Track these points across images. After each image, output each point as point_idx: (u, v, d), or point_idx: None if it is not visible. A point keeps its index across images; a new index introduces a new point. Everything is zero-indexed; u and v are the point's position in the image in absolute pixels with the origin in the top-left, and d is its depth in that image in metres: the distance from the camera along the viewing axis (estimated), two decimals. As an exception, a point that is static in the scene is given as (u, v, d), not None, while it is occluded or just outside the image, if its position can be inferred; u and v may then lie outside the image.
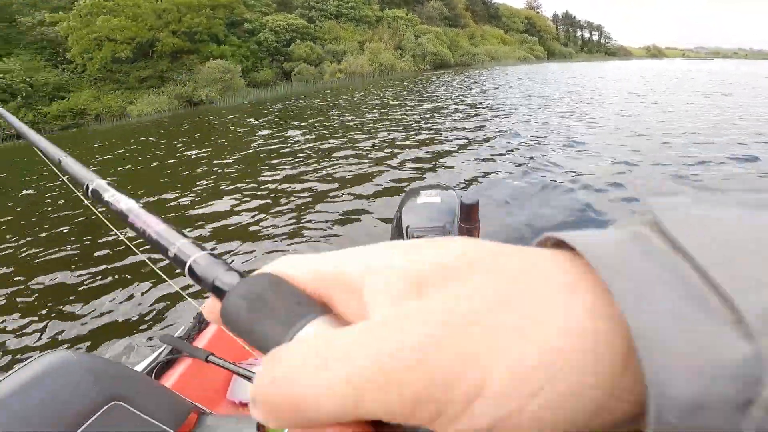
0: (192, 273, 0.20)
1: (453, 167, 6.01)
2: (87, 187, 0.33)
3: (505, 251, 0.13)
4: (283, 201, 5.20)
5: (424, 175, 5.76)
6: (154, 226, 0.23)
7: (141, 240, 0.23)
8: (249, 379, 1.09)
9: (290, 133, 10.02)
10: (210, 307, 0.18)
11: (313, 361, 0.12)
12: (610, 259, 0.11)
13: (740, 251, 0.10)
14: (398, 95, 16.92)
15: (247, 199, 5.43)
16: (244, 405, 1.25)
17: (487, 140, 7.58)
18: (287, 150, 8.03)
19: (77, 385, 0.81)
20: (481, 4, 67.84)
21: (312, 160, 7.00)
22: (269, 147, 8.47)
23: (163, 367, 1.14)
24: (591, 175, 5.29)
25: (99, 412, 0.79)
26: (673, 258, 0.11)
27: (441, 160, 6.47)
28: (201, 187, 6.18)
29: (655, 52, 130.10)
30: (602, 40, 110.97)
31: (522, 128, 8.42)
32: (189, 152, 8.94)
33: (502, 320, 0.11)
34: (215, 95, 25.31)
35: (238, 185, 6.05)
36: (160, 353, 1.18)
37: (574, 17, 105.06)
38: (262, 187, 5.87)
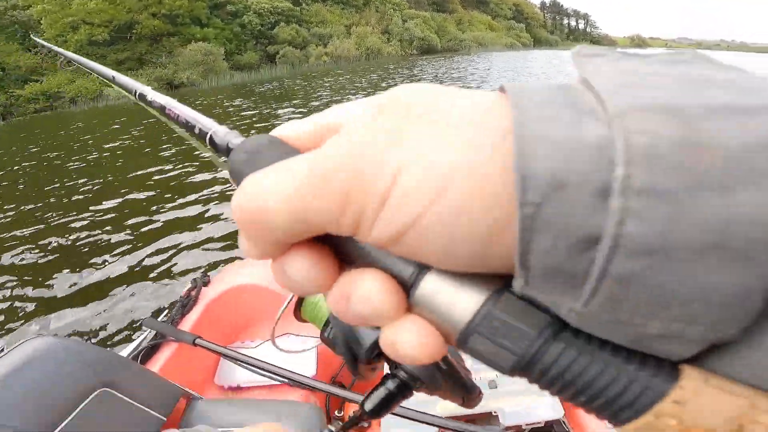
0: (212, 141, 0.23)
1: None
2: (135, 92, 0.42)
3: (449, 92, 0.14)
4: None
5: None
6: (185, 112, 0.29)
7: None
8: (238, 361, 1.07)
9: (279, 111, 9.84)
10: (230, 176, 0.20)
11: (269, 179, 0.14)
12: (522, 88, 0.12)
13: (629, 79, 0.11)
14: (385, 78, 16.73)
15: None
16: (234, 389, 1.23)
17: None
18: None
19: (63, 372, 0.77)
20: (469, -11, 67.14)
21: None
22: (253, 123, 8.30)
23: (148, 352, 1.11)
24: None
25: (87, 400, 0.76)
26: (578, 86, 0.12)
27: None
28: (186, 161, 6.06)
29: (639, 42, 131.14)
30: (588, 29, 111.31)
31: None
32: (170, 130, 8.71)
33: (419, 135, 0.13)
34: (197, 78, 24.65)
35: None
36: (144, 338, 1.15)
37: (562, 5, 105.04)
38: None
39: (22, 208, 5.23)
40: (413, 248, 0.13)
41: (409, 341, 0.14)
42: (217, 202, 4.61)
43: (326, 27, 35.97)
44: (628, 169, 0.10)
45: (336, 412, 1.18)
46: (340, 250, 0.15)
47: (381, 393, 0.26)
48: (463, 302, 0.13)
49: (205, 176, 5.51)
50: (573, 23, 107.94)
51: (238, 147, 0.20)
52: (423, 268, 0.14)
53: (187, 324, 1.20)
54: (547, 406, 1.00)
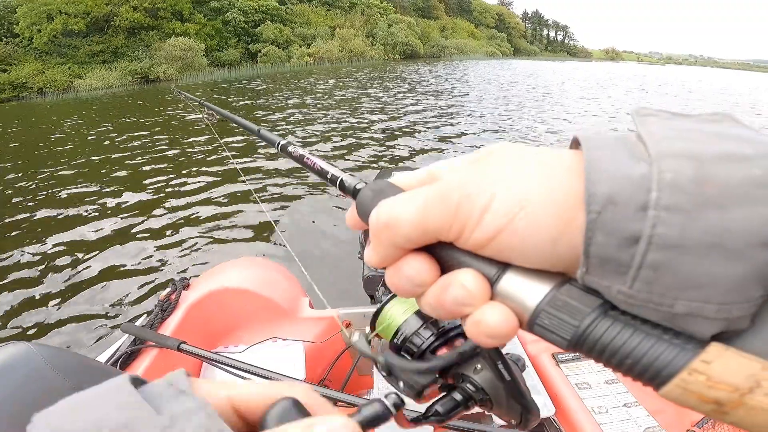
0: (342, 185, 0.30)
1: (428, 149, 6.04)
2: (278, 144, 0.50)
3: (524, 146, 0.20)
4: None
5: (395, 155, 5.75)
6: (318, 162, 0.36)
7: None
8: (225, 365, 1.02)
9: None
10: (349, 212, 0.26)
11: (400, 200, 0.21)
12: (590, 135, 0.18)
13: (668, 133, 0.17)
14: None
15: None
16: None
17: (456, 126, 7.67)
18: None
19: (42, 379, 0.72)
20: (453, -4, 68.03)
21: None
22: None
23: (126, 358, 1.05)
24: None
25: None
26: (632, 138, 0.17)
27: (413, 142, 6.50)
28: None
29: (612, 55, 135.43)
30: (566, 41, 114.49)
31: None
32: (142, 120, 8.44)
33: (506, 173, 0.19)
34: (173, 73, 24.04)
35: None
36: (122, 344, 1.09)
37: (543, 16, 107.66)
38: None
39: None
40: (500, 248, 0.18)
41: (492, 318, 0.18)
42: (194, 204, 4.47)
43: (310, 27, 35.75)
44: (659, 193, 0.15)
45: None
46: (441, 257, 0.21)
47: (448, 402, 0.27)
48: (534, 290, 0.18)
49: (178, 180, 5.27)
50: (552, 34, 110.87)
51: (365, 188, 0.25)
52: (504, 267, 0.19)
53: (168, 328, 1.15)
54: (539, 405, 0.99)
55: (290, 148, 0.45)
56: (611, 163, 0.16)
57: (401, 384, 0.27)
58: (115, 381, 0.20)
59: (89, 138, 8.16)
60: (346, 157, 6.02)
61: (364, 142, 6.92)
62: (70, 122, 10.24)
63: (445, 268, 0.21)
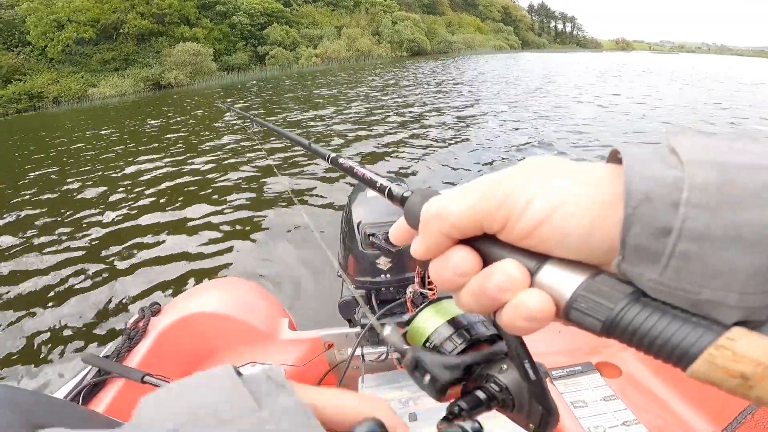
0: (390, 193, 0.32)
1: (414, 157, 5.92)
2: (328, 157, 0.53)
3: (561, 158, 0.23)
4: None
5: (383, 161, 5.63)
6: (368, 173, 0.37)
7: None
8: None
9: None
10: (396, 225, 0.28)
11: (449, 194, 0.23)
12: (629, 148, 0.20)
13: (696, 146, 0.19)
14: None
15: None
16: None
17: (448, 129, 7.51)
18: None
19: None
20: (458, -9, 67.36)
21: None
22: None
23: (90, 390, 0.99)
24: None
25: None
26: (664, 149, 0.20)
27: (400, 148, 6.34)
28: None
29: (623, 45, 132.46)
30: (575, 32, 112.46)
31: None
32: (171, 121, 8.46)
33: (548, 174, 0.21)
34: (184, 78, 24.27)
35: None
36: (84, 377, 1.02)
37: (549, 8, 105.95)
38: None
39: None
40: (540, 239, 0.20)
41: (531, 301, 0.20)
42: (173, 229, 3.99)
43: (316, 28, 35.78)
44: (689, 193, 0.17)
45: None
46: (484, 250, 0.22)
47: (470, 400, 0.27)
48: (572, 278, 0.20)
49: (167, 198, 4.82)
50: (560, 26, 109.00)
51: (414, 194, 0.27)
52: (544, 259, 0.21)
53: (135, 358, 1.08)
54: None
55: (340, 160, 0.47)
56: (648, 167, 0.18)
57: (426, 379, 0.27)
58: (221, 369, 0.21)
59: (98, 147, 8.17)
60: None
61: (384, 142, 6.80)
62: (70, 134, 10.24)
63: (486, 261, 0.22)
